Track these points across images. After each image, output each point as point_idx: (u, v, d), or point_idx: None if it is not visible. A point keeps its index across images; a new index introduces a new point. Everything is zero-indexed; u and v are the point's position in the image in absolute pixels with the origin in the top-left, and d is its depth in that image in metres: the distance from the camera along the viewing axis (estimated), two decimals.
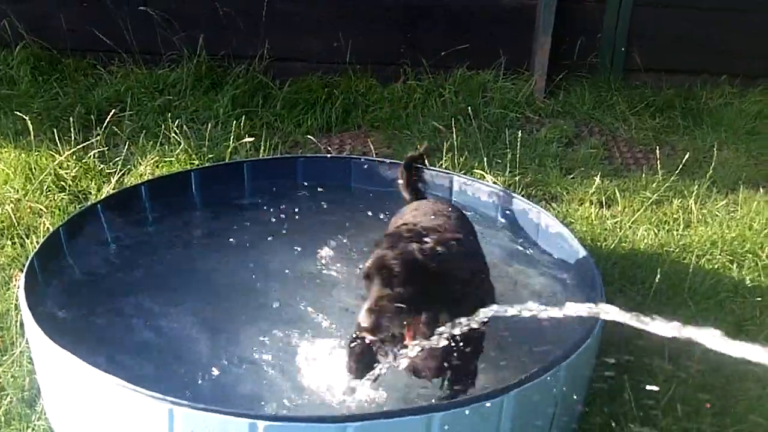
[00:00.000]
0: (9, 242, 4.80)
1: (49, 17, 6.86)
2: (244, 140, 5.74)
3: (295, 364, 3.69)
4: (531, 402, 3.21)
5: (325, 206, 4.86)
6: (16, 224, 4.88)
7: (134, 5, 6.75)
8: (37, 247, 4.04)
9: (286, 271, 4.30)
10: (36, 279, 3.87)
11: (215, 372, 3.63)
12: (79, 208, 5.04)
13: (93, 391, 3.17)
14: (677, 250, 4.99)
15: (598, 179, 5.63)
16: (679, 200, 5.54)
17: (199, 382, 3.58)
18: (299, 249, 4.45)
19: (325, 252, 4.45)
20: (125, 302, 4.04)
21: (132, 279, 4.22)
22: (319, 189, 4.98)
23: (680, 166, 5.71)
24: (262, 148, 5.84)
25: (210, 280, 4.26)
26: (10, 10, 6.77)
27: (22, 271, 3.87)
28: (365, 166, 5.05)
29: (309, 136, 6.15)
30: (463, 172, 5.61)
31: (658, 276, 4.51)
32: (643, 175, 5.82)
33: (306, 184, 5.05)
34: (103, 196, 4.99)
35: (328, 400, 3.48)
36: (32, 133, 5.58)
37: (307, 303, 4.08)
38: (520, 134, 6.02)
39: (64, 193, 5.25)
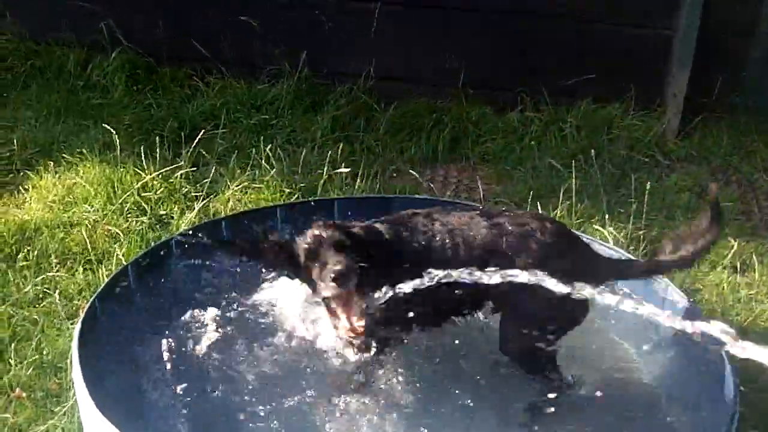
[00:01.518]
0: (81, 268, 4.47)
1: (148, 23, 6.58)
2: (340, 170, 5.27)
3: None
4: None
5: None
6: (89, 249, 4.55)
7: (235, 14, 6.37)
8: (100, 288, 3.66)
9: None
10: (96, 324, 3.48)
11: None
12: (157, 235, 4.70)
13: None
14: None
15: (733, 241, 4.92)
16: None
17: None
18: None
19: None
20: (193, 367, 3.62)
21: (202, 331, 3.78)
22: None
23: None
24: (360, 176, 5.37)
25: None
26: (108, 14, 6.50)
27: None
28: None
29: (411, 170, 5.60)
30: (580, 221, 5.03)
31: None
32: None
33: None
34: (183, 226, 4.64)
35: None
36: (119, 147, 5.28)
37: None
38: (648, 181, 5.35)
39: (144, 217, 4.91)
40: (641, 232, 4.97)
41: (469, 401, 3.44)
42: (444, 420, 3.37)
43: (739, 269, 4.78)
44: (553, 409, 3.40)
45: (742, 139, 6.16)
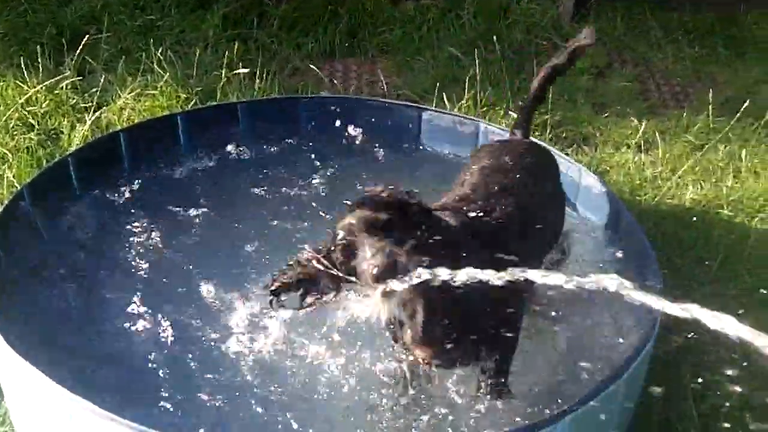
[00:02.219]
0: None
1: None
2: (238, 71, 5.06)
3: None
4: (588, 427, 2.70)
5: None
6: None
7: None
8: None
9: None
10: None
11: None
12: (48, 152, 4.44)
13: (63, 414, 2.64)
14: (727, 208, 4.43)
15: (636, 120, 5.00)
16: (725, 145, 4.93)
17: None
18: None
19: None
20: (100, 287, 3.48)
21: (108, 255, 3.63)
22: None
23: (722, 104, 5.13)
24: (258, 76, 5.16)
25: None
26: None
27: None
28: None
29: (311, 66, 5.43)
30: (485, 109, 5.00)
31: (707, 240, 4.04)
32: (684, 115, 5.19)
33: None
34: (76, 141, 4.38)
35: None
36: None
37: None
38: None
39: (32, 133, 4.61)
40: (546, 117, 4.99)
41: None
42: None
43: (642, 148, 4.87)
44: None
45: (636, 18, 6.19)
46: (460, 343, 2.67)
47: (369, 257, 2.36)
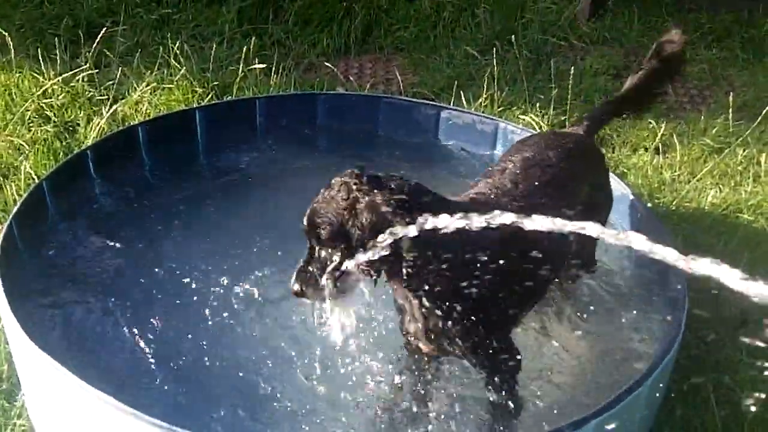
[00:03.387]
0: None
1: None
2: (254, 66, 5.04)
3: None
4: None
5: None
6: None
7: None
8: (16, 207, 3.41)
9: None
10: (15, 248, 3.26)
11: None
12: (65, 145, 4.42)
13: (80, 406, 2.62)
14: (747, 212, 4.39)
15: (652, 122, 4.97)
16: (743, 149, 4.89)
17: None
18: None
19: None
20: (119, 278, 3.46)
21: (125, 248, 3.61)
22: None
23: (740, 107, 5.10)
24: (273, 71, 5.14)
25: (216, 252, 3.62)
26: None
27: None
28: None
29: (326, 63, 5.41)
30: (501, 109, 4.98)
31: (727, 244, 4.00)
32: (702, 117, 5.16)
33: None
34: (92, 134, 4.37)
35: None
36: (13, 50, 4.89)
37: None
38: (564, 65, 5.33)
39: (49, 125, 4.60)
40: (563, 118, 4.97)
41: None
42: None
43: (660, 151, 4.84)
44: None
45: (653, 19, 6.15)
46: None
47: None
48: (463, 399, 2.94)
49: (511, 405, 2.81)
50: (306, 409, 2.95)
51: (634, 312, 3.38)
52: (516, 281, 2.73)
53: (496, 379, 2.79)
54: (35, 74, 4.87)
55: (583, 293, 3.47)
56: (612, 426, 2.61)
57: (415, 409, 2.90)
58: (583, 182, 3.17)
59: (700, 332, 3.46)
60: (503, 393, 2.79)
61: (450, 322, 2.66)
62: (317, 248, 2.57)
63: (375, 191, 2.49)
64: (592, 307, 3.35)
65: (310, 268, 2.57)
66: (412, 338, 2.82)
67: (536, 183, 2.96)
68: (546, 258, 2.77)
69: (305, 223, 2.57)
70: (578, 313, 3.27)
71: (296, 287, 2.59)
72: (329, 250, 2.54)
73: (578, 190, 3.10)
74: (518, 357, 2.81)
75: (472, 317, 2.67)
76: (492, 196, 2.87)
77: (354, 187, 2.52)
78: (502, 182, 2.96)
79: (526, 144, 3.26)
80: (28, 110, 4.62)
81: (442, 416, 2.91)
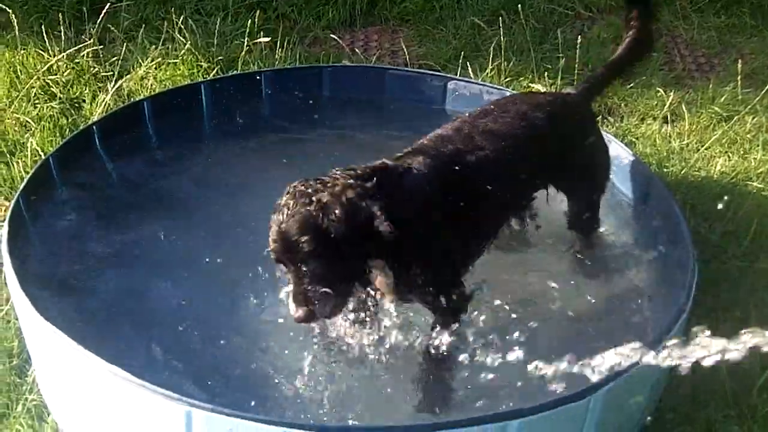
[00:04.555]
0: None
1: None
2: (259, 40, 5.01)
3: None
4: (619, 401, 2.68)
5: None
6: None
7: None
8: (23, 183, 3.42)
9: None
10: (23, 224, 3.27)
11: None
12: (71, 121, 4.41)
13: (90, 379, 2.63)
14: (756, 180, 4.36)
15: (660, 90, 4.93)
16: (752, 117, 4.85)
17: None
18: None
19: None
20: (127, 256, 3.45)
21: (132, 223, 3.60)
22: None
23: (748, 75, 5.04)
24: (278, 45, 5.11)
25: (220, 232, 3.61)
26: None
27: (6, 208, 3.29)
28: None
29: (332, 35, 5.38)
30: (509, 80, 4.94)
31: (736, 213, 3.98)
32: (710, 86, 5.11)
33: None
34: (98, 110, 4.35)
35: None
36: (17, 27, 4.87)
37: None
38: (571, 34, 5.28)
39: (54, 102, 4.59)
40: (570, 88, 4.92)
41: None
42: None
43: (669, 119, 4.81)
44: None
45: None
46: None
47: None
48: None
49: (447, 339, 2.84)
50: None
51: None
52: (464, 224, 2.81)
53: (441, 317, 2.86)
54: (40, 51, 4.86)
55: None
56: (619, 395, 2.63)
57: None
58: (555, 138, 3.18)
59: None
60: (446, 330, 2.83)
61: (415, 275, 2.73)
62: (299, 266, 2.53)
63: (330, 185, 2.55)
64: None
65: (303, 289, 2.54)
66: (378, 291, 2.84)
67: (481, 131, 3.01)
68: (493, 201, 2.88)
69: (278, 248, 2.53)
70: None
71: (300, 313, 2.57)
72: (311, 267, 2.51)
73: (541, 144, 3.13)
74: (466, 294, 2.88)
75: (432, 266, 2.75)
76: (430, 144, 2.95)
77: (309, 190, 2.54)
78: (446, 131, 3.04)
79: (496, 101, 3.35)
80: (34, 87, 4.61)
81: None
